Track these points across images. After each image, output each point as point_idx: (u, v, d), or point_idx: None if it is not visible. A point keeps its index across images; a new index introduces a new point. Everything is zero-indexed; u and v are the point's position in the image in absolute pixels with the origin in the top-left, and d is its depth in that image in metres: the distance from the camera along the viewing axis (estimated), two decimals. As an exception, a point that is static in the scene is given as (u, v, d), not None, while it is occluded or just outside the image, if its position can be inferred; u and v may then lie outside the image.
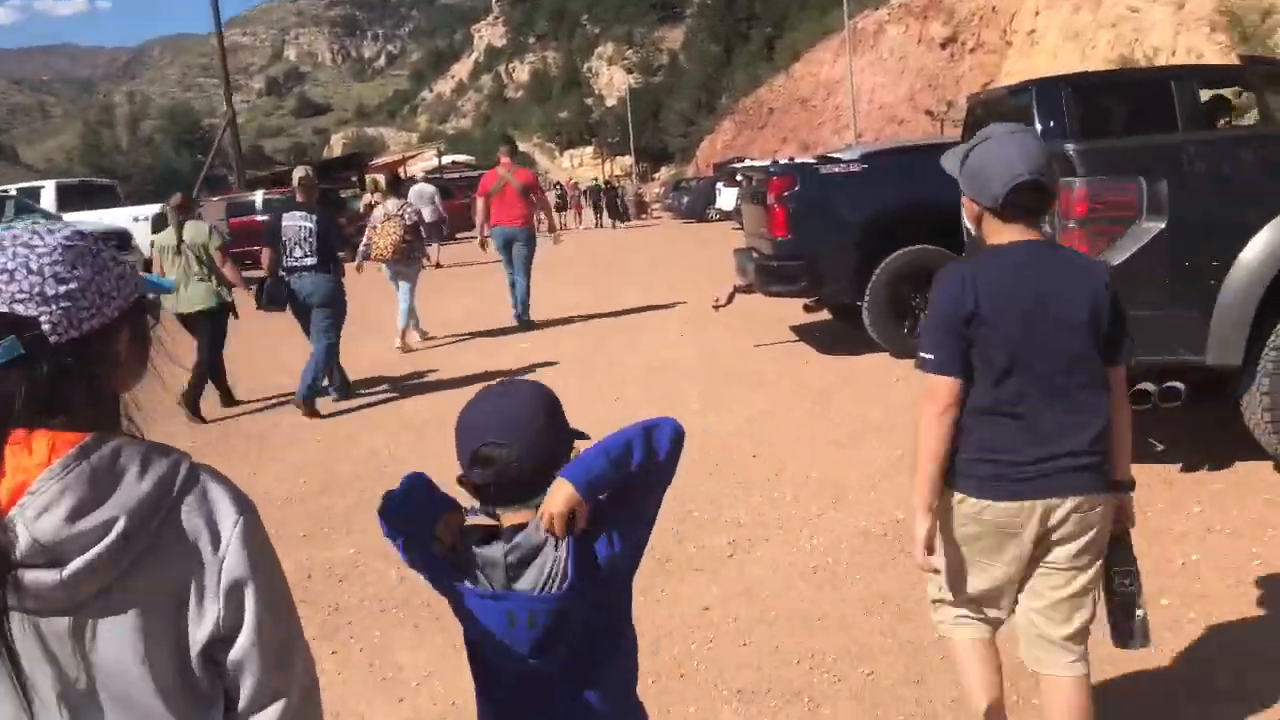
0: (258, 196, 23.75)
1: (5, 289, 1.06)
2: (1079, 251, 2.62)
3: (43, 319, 1.06)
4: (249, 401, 7.83)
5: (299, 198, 7.48)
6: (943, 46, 43.97)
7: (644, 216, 37.38)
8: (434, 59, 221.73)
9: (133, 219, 17.65)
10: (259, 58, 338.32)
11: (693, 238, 23.54)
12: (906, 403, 5.90)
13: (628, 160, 75.69)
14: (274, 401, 7.71)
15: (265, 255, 7.55)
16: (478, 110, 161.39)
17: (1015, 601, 2.26)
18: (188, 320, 7.33)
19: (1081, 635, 2.21)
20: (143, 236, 17.26)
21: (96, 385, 1.10)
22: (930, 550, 2.17)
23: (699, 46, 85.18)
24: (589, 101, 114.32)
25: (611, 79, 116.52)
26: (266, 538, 1.14)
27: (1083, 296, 2.10)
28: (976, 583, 2.24)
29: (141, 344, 1.19)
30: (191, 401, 7.26)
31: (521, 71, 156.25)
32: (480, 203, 10.48)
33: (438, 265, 18.18)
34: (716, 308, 8.83)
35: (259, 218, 22.92)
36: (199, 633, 1.08)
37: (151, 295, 1.23)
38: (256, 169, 51.76)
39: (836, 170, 7.93)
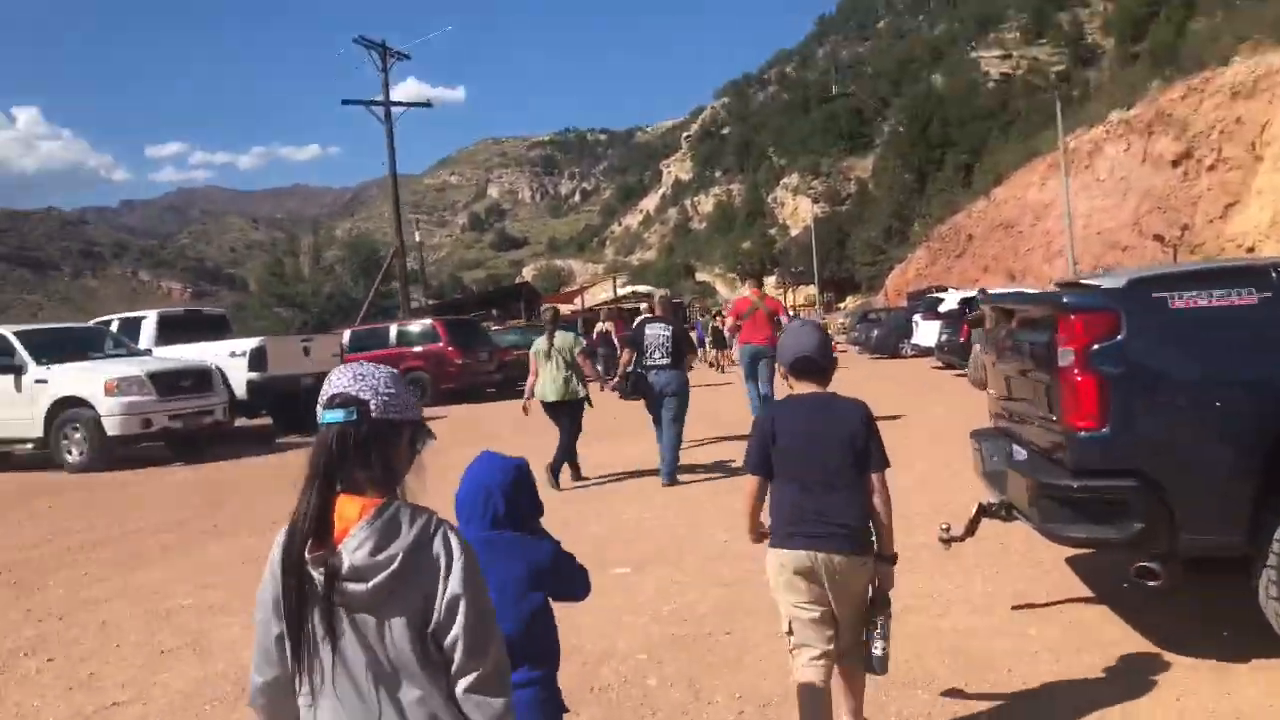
0: (392, 329, 21.43)
1: (356, 385, 1.84)
2: (848, 399, 3.38)
3: (371, 403, 1.82)
4: (594, 478, 10.00)
5: (658, 312, 10.33)
6: (1174, 164, 38.79)
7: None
8: (623, 194, 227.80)
9: (230, 354, 15.48)
10: (464, 195, 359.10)
11: (889, 379, 19.73)
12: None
13: (812, 289, 72.35)
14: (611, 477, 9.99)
15: (626, 355, 9.67)
16: (662, 242, 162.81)
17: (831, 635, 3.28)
18: (554, 408, 9.45)
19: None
20: (239, 370, 15.28)
21: (388, 459, 1.83)
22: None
23: (890, 174, 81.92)
24: (772, 231, 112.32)
25: (796, 208, 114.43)
26: (478, 568, 1.83)
27: (843, 428, 3.27)
28: (798, 619, 3.31)
29: (413, 447, 1.92)
30: (554, 473, 9.28)
31: (706, 204, 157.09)
32: (730, 322, 13.04)
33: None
34: (947, 541, 4.93)
35: (386, 349, 20.91)
36: (433, 622, 1.78)
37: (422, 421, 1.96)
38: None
39: (1203, 301, 4.04)
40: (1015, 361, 4.92)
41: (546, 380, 9.40)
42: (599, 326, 24.55)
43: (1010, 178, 54.09)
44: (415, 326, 21.75)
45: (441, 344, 20.71)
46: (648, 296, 77.17)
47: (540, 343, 9.54)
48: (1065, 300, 4.15)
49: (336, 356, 17.43)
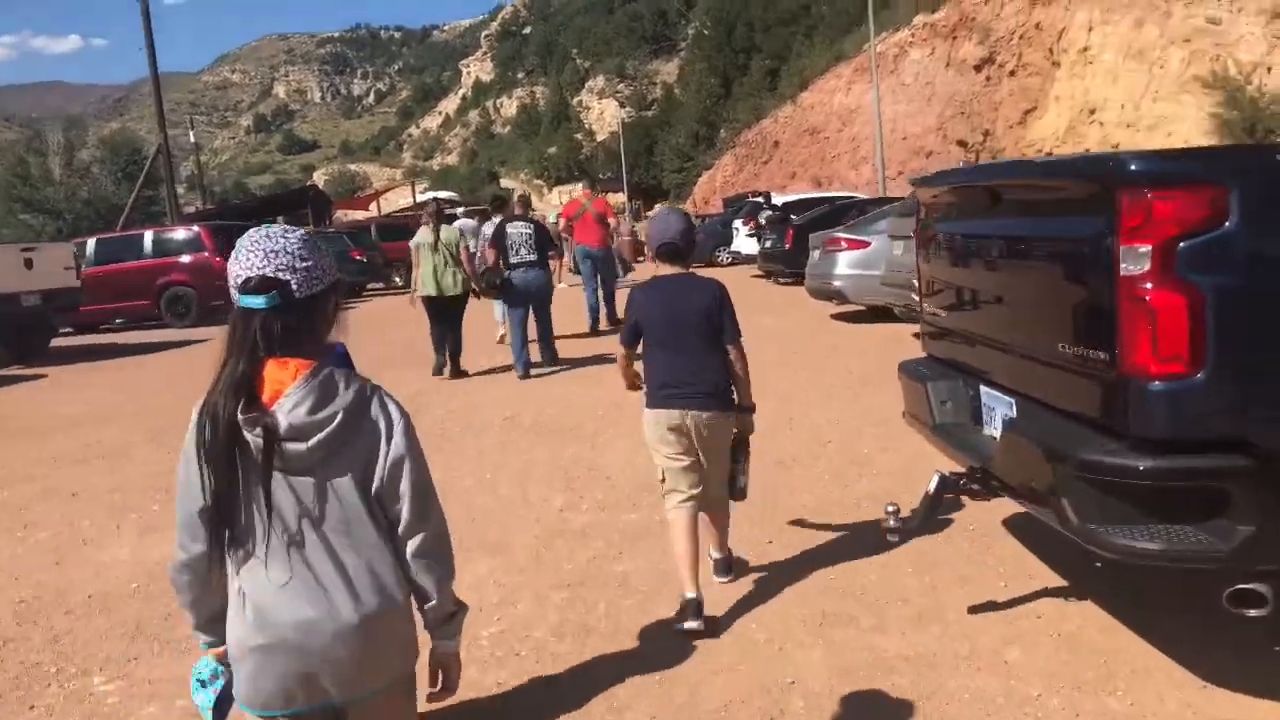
0: (148, 237, 18.36)
1: (274, 260, 1.77)
2: (705, 279, 3.85)
3: (292, 282, 1.78)
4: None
5: (517, 211, 10.85)
6: (977, 69, 39.08)
7: (640, 260, 32.26)
8: (421, 95, 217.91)
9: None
10: (248, 95, 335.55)
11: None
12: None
13: (620, 197, 70.91)
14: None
15: (490, 254, 9.73)
16: (464, 146, 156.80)
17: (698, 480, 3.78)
18: (437, 301, 9.61)
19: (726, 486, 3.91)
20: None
21: (317, 330, 1.85)
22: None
23: (695, 79, 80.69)
24: (579, 136, 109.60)
25: (603, 113, 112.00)
26: (415, 432, 1.86)
27: (701, 304, 3.73)
28: (670, 470, 3.79)
29: (337, 309, 1.91)
30: (456, 365, 9.89)
31: (509, 107, 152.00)
32: (563, 223, 13.93)
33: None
34: (898, 531, 3.44)
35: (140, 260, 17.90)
36: (376, 484, 1.81)
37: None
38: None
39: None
40: (991, 266, 3.37)
41: (429, 274, 9.52)
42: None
43: (816, 83, 53.72)
44: (177, 234, 18.68)
45: (208, 254, 17.84)
46: (449, 203, 73.41)
47: (425, 234, 9.60)
48: (1134, 167, 2.55)
49: (70, 270, 14.46)
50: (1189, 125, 28.53)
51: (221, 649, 1.89)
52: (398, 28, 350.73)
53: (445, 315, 9.69)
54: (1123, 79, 31.78)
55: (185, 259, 17.92)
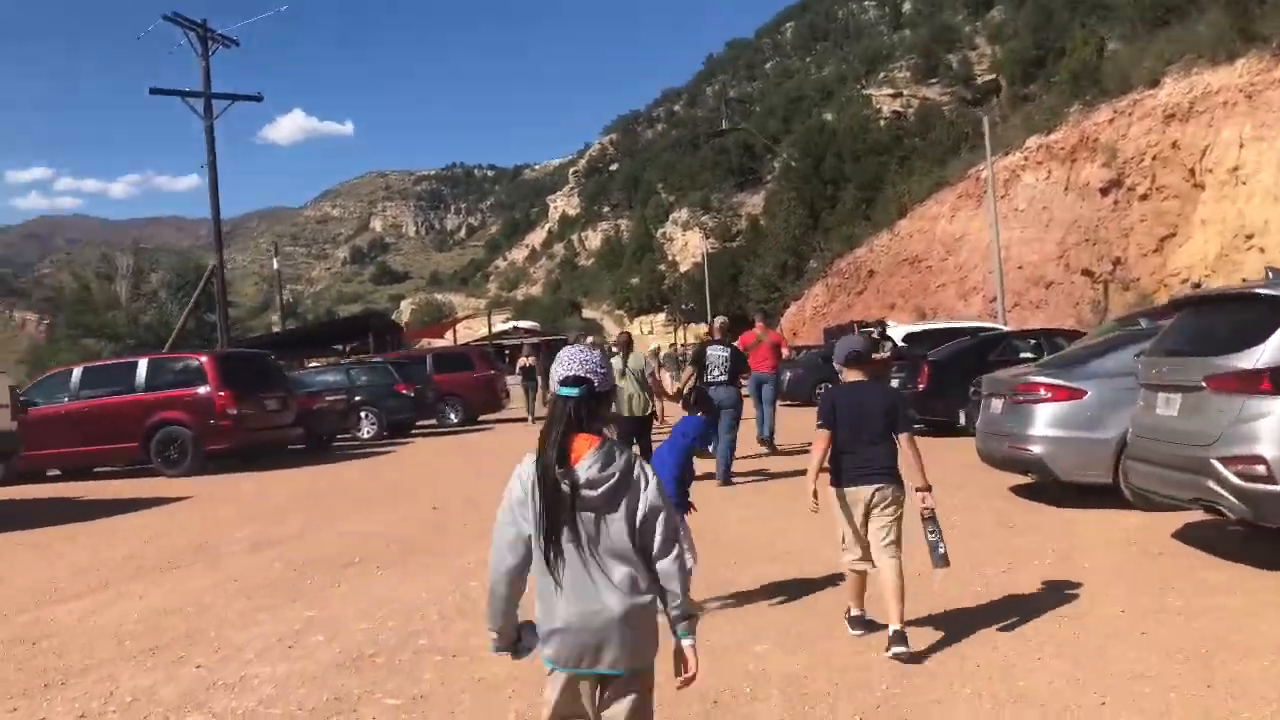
0: (142, 366, 15.37)
1: (585, 365, 2.73)
2: (883, 385, 6.01)
3: (594, 380, 2.72)
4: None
5: (717, 335, 11.75)
6: (1103, 193, 35.32)
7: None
8: (510, 230, 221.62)
9: None
10: (346, 228, 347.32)
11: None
12: None
13: (704, 328, 67.98)
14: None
15: (690, 372, 11.59)
16: (548, 277, 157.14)
17: (866, 542, 4.99)
18: (626, 421, 10.38)
19: (891, 544, 4.90)
20: None
21: (603, 415, 2.79)
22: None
23: (783, 210, 78.32)
24: (662, 268, 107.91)
25: (686, 244, 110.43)
26: (664, 488, 2.72)
27: (882, 403, 4.99)
28: (847, 532, 5.06)
29: (612, 404, 3.69)
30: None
31: (593, 239, 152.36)
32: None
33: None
34: None
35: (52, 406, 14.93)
36: (639, 521, 2.65)
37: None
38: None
39: None
40: None
41: (622, 399, 10.33)
42: (521, 361, 25.07)
43: (915, 210, 50.52)
44: (177, 363, 15.69)
45: (210, 388, 14.76)
46: (529, 333, 71.42)
47: (615, 363, 10.45)
48: None
49: (5, 408, 11.39)
50: (1376, 250, 24.25)
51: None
52: (491, 166, 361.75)
53: (635, 432, 10.34)
54: (1286, 199, 27.66)
55: (185, 393, 14.85)
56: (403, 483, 12.77)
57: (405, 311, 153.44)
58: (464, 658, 5.16)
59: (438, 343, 55.20)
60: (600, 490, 2.61)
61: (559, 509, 2.59)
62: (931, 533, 4.89)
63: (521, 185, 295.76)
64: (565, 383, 2.70)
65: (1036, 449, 8.32)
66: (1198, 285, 29.72)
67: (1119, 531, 7.36)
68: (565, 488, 2.59)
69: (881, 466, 4.87)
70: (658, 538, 2.65)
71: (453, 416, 22.90)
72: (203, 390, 14.77)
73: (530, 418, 23.47)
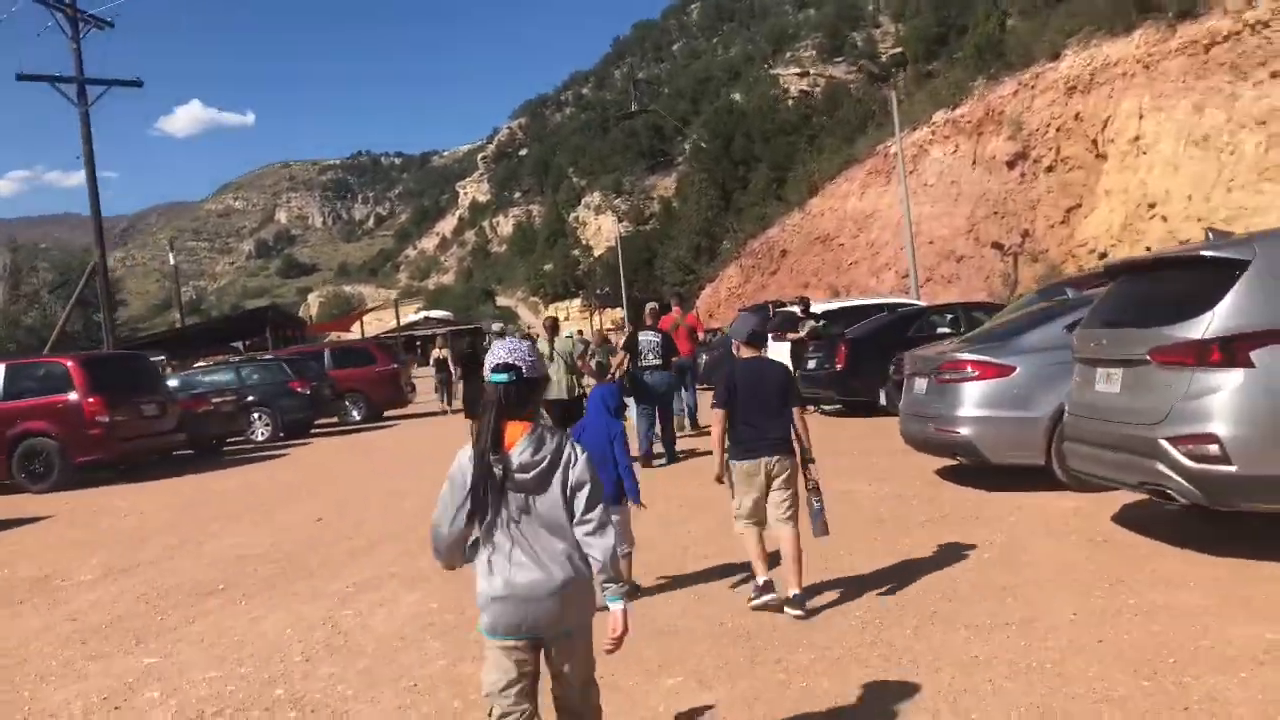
0: (-1, 370, 14.00)
1: (515, 354, 2.97)
2: (775, 361, 5.51)
3: (523, 366, 2.94)
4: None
5: (648, 322, 12.15)
6: (1009, 166, 35.54)
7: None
8: (419, 218, 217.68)
9: None
10: (250, 221, 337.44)
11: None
12: None
13: (619, 312, 67.22)
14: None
15: (621, 358, 11.75)
16: (460, 265, 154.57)
17: (764, 511, 5.25)
18: (561, 404, 11.02)
19: (791, 517, 5.21)
20: None
21: (533, 401, 2.99)
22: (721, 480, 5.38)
23: (695, 192, 77.96)
24: (576, 253, 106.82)
25: (600, 228, 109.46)
26: (593, 464, 2.97)
27: (777, 379, 5.27)
28: (746, 502, 5.25)
29: (542, 392, 3.14)
30: None
31: (505, 225, 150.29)
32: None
33: None
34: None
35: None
36: (569, 495, 2.90)
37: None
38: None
39: None
40: None
41: (550, 383, 10.33)
42: (435, 353, 26.14)
43: (826, 188, 50.48)
44: (38, 369, 14.36)
45: (77, 394, 13.51)
46: (442, 323, 69.77)
47: (541, 346, 11.43)
48: None
49: None
50: (1275, 215, 24.59)
51: None
52: (398, 154, 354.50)
53: (569, 416, 10.42)
54: (1185, 169, 28.00)
55: (50, 401, 13.57)
56: (289, 490, 11.77)
57: (313, 305, 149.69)
58: (324, 712, 4.35)
59: (346, 337, 53.50)
60: (532, 474, 2.88)
61: (492, 491, 2.85)
62: (816, 501, 5.25)
63: (430, 172, 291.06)
64: (496, 369, 2.94)
65: (965, 431, 7.78)
66: (1104, 255, 30.02)
67: (1057, 517, 6.85)
68: (498, 471, 2.85)
69: (779, 438, 5.17)
70: (580, 509, 2.90)
71: (355, 414, 21.76)
72: (70, 397, 13.50)
73: (447, 409, 23.55)
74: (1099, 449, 5.96)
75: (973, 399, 7.75)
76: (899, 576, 5.69)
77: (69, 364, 13.88)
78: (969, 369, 7.87)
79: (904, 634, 4.73)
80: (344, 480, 12.42)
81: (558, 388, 11.13)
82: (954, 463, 8.76)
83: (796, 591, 5.08)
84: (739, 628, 5.04)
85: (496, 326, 27.41)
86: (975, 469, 8.28)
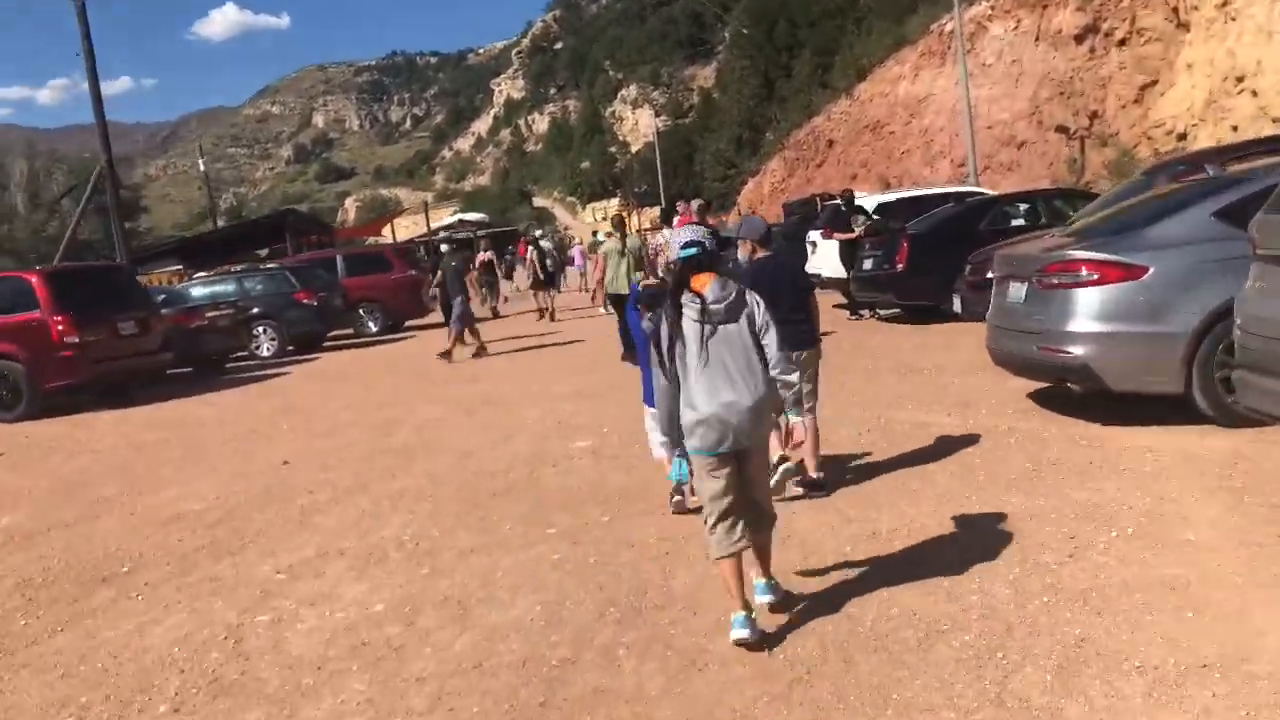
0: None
1: (698, 235, 3.74)
2: (786, 258, 6.28)
3: (705, 243, 3.72)
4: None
5: (695, 218, 11.36)
6: (1077, 41, 32.55)
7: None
8: (455, 118, 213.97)
9: None
10: (288, 126, 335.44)
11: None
12: None
13: (657, 211, 65.03)
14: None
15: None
16: (496, 166, 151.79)
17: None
18: (624, 298, 10.28)
19: (811, 408, 5.51)
20: None
21: (717, 260, 3.80)
22: None
23: (735, 81, 74.56)
24: (613, 149, 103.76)
25: (637, 123, 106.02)
26: (765, 304, 3.75)
27: (792, 276, 5.59)
28: None
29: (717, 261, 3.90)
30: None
31: (541, 123, 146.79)
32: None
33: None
34: None
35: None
36: (756, 331, 3.68)
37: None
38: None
39: None
40: None
41: (620, 275, 11.95)
42: (480, 257, 25.09)
43: (874, 73, 47.44)
44: (1, 285, 12.97)
45: (42, 313, 12.12)
46: (478, 225, 68.23)
47: (613, 244, 12.48)
48: None
49: None
50: (1383, 87, 21.92)
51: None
52: (433, 53, 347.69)
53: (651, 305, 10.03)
54: (1280, 36, 25.12)
55: (13, 320, 12.19)
56: (268, 421, 10.34)
57: (350, 209, 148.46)
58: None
59: (377, 239, 52.02)
60: (723, 305, 3.60)
61: (688, 325, 3.58)
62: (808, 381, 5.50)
63: (466, 71, 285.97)
64: (685, 246, 3.68)
65: (1080, 350, 6.03)
66: (1183, 137, 27.39)
67: (1213, 467, 5.13)
68: (692, 308, 3.58)
69: (804, 332, 5.39)
70: (770, 345, 3.67)
71: (371, 325, 20.32)
72: (35, 316, 12.12)
73: (493, 313, 23.23)
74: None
75: (1091, 309, 5.98)
76: (1013, 559, 4.07)
77: (33, 280, 12.45)
78: (1085, 270, 6.07)
79: (1041, 680, 3.11)
80: (336, 405, 10.98)
81: (622, 281, 11.75)
82: (1052, 386, 7.04)
83: (812, 476, 5.45)
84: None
85: (538, 232, 28.80)
86: (1085, 396, 6.56)
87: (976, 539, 4.46)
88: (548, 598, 4.30)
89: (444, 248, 16.93)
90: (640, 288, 5.82)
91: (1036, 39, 34.71)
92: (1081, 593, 3.75)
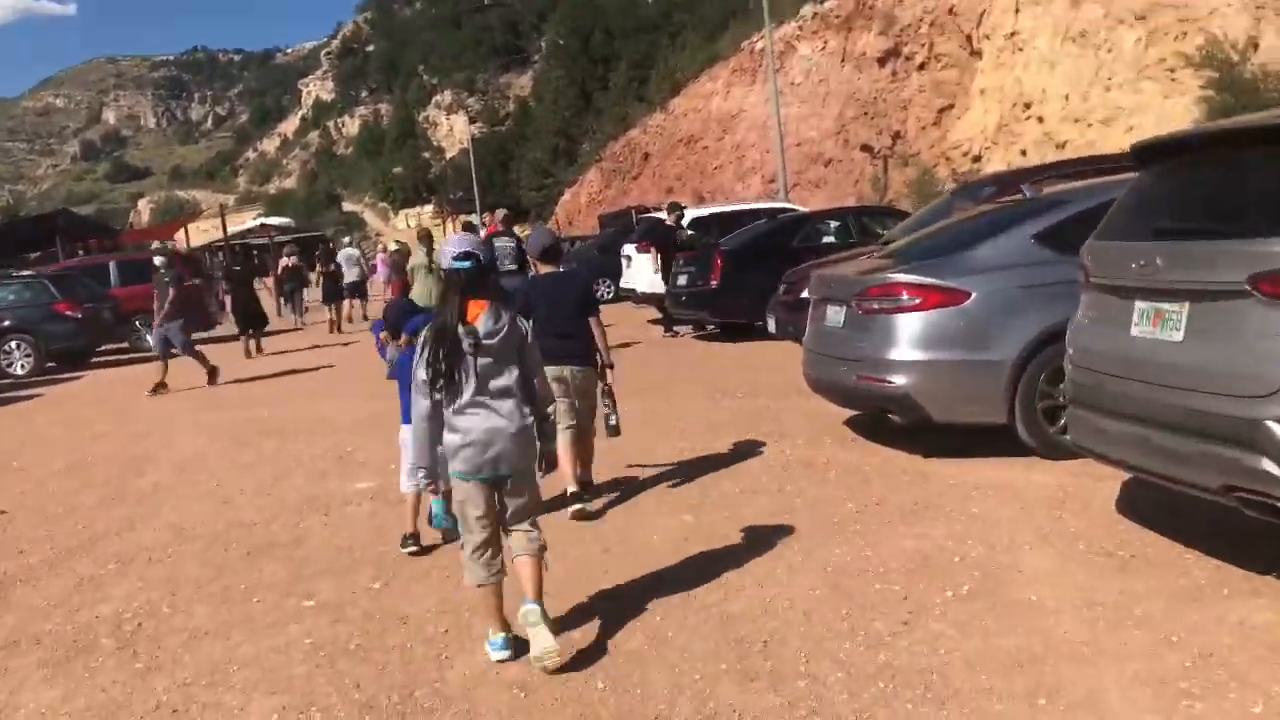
0: None
1: (471, 247, 3.61)
2: (573, 272, 6.56)
3: (481, 256, 3.59)
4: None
5: (500, 228, 12.00)
6: (880, 63, 33.72)
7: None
8: (260, 118, 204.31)
9: None
10: (74, 120, 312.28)
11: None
12: None
13: (474, 218, 63.62)
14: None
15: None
16: (304, 169, 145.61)
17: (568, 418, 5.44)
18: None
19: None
20: None
21: (492, 283, 3.71)
22: None
23: (552, 90, 74.12)
24: (426, 155, 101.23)
25: (452, 129, 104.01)
26: (535, 341, 3.77)
27: (574, 293, 5.46)
28: (561, 407, 5.16)
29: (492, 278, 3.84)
30: None
31: (351, 126, 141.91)
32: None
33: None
34: None
35: None
36: (520, 363, 3.65)
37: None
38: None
39: None
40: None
41: (429, 290, 11.41)
42: (283, 262, 24.35)
43: (688, 88, 47.93)
44: None
45: None
46: (281, 230, 64.79)
47: (420, 258, 12.72)
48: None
49: None
50: (1154, 116, 23.50)
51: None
52: (238, 50, 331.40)
53: None
54: (1063, 66, 26.65)
55: None
56: (2, 454, 8.89)
57: (144, 211, 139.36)
58: None
59: (178, 243, 48.41)
60: (495, 340, 3.52)
61: (459, 356, 3.48)
62: (607, 406, 5.55)
63: (273, 70, 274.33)
64: (458, 258, 3.55)
65: (901, 379, 5.66)
66: (978, 159, 28.72)
67: (1042, 507, 4.81)
68: (469, 341, 3.48)
69: (578, 350, 5.39)
70: (530, 375, 3.68)
71: (148, 339, 18.41)
72: None
73: (297, 321, 22.76)
74: (1137, 426, 3.88)
75: (912, 336, 5.62)
76: (837, 630, 3.53)
77: None
78: (905, 294, 5.71)
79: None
80: (86, 435, 9.59)
81: (428, 299, 10.94)
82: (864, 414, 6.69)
83: (573, 488, 5.33)
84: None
85: (347, 239, 28.18)
86: (903, 429, 6.21)
87: (799, 602, 3.92)
88: (289, 701, 3.46)
89: (158, 260, 13.33)
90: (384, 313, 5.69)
91: (843, 60, 35.78)
92: (921, 674, 3.24)
